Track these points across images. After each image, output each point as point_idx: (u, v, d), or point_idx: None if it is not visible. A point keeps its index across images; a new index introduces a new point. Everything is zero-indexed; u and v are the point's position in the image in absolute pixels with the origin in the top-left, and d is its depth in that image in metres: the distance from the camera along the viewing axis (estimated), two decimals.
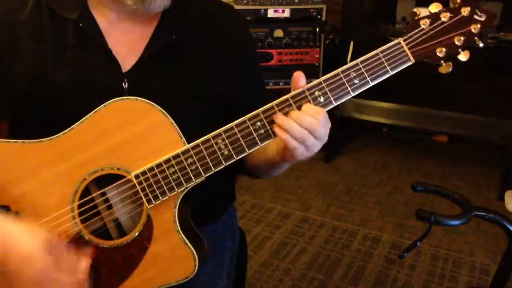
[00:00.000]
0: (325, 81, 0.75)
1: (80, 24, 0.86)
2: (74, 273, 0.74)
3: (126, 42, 0.88)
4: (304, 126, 0.73)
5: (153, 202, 0.79)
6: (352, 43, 2.89)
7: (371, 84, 0.76)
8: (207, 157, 0.76)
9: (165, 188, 0.78)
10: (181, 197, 0.80)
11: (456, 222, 1.03)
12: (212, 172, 0.77)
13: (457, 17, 0.76)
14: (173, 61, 0.90)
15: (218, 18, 0.96)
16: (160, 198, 0.78)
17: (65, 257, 0.74)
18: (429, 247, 2.21)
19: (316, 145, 0.76)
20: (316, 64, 2.81)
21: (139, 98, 0.78)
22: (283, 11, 2.73)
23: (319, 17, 2.77)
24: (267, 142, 0.76)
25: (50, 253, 0.70)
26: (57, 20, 0.87)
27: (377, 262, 2.11)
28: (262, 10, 2.71)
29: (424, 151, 3.30)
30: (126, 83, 0.86)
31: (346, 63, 0.76)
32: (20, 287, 0.69)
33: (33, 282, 0.69)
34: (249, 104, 0.79)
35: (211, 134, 0.76)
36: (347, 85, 0.75)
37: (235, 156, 0.77)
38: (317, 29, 2.75)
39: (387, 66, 0.76)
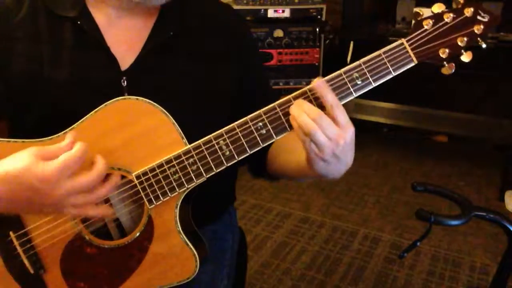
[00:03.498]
0: (327, 81, 0.75)
1: (78, 22, 0.85)
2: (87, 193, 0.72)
3: (125, 40, 0.88)
4: (311, 116, 0.71)
5: (154, 202, 0.78)
6: (352, 43, 2.88)
7: (374, 85, 0.75)
8: (208, 158, 0.76)
9: (166, 188, 0.78)
10: (182, 197, 0.79)
11: (456, 222, 1.02)
12: (214, 172, 0.77)
13: (460, 18, 0.76)
14: (172, 58, 0.89)
15: (217, 19, 0.96)
16: (161, 198, 0.78)
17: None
18: (429, 247, 2.21)
19: (343, 152, 0.72)
20: (316, 64, 2.80)
21: (140, 98, 0.78)
22: (283, 11, 2.73)
23: (319, 17, 2.76)
24: (268, 142, 0.76)
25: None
26: (54, 19, 0.86)
27: (377, 262, 2.11)
28: (262, 10, 2.71)
29: (424, 151, 3.30)
30: (125, 81, 0.86)
31: (346, 63, 0.75)
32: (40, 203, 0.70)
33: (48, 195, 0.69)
34: (253, 104, 0.78)
35: (213, 134, 0.76)
36: (349, 85, 0.75)
37: (236, 157, 0.76)
38: (317, 29, 2.75)
39: (389, 67, 0.75)
